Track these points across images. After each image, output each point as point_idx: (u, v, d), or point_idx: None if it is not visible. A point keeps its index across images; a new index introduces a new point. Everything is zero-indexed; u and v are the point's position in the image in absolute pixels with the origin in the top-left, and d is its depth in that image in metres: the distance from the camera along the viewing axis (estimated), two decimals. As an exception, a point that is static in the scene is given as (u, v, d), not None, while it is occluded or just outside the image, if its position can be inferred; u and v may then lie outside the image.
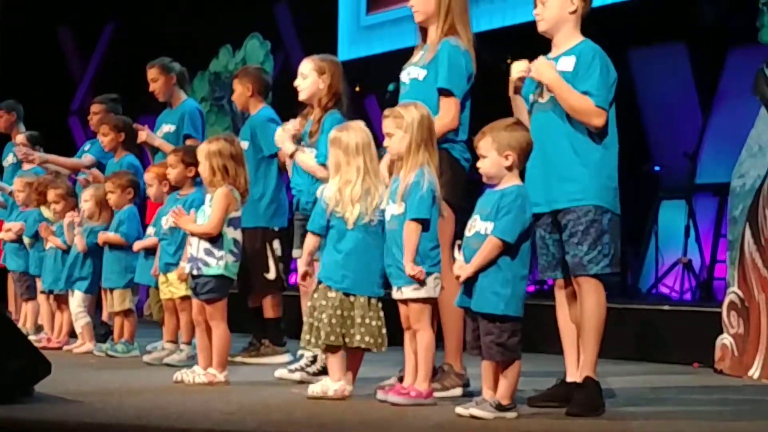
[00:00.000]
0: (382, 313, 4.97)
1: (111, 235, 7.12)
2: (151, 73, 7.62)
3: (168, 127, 7.50)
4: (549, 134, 4.65)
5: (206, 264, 5.57)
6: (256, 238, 6.68)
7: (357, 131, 5.01)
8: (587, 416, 4.46)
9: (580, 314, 4.67)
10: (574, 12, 4.69)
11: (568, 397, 4.61)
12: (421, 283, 4.79)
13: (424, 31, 5.34)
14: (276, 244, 6.84)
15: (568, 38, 4.70)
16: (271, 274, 6.81)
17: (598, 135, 4.61)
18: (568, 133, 4.63)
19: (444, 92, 5.14)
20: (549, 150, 4.64)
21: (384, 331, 4.96)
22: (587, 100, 4.57)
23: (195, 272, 5.59)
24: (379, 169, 5.04)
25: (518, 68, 4.72)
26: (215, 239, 5.58)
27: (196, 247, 5.60)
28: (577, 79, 4.60)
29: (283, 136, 5.88)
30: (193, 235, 5.65)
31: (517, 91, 4.78)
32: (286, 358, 6.68)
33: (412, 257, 4.75)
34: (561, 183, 4.63)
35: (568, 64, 4.63)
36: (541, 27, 4.75)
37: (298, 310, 5.61)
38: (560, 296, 4.83)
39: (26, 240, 8.18)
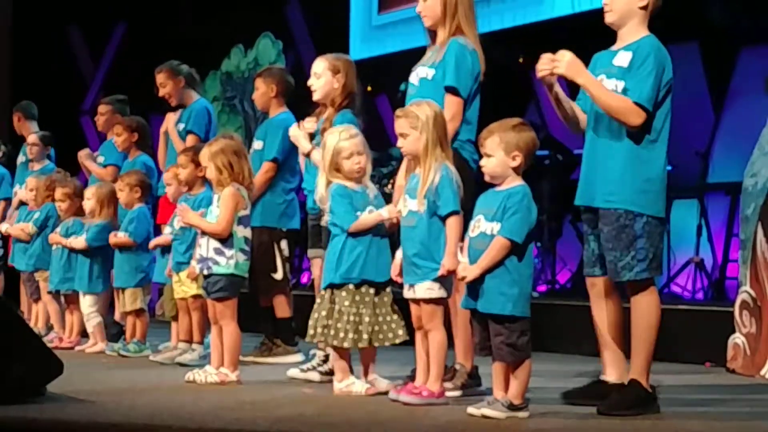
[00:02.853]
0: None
1: (120, 237, 7.14)
2: (159, 78, 7.63)
3: (180, 126, 7.52)
4: (598, 129, 4.61)
5: (216, 263, 5.59)
6: (263, 237, 6.68)
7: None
8: (614, 415, 4.43)
9: (632, 319, 4.60)
10: (644, 7, 4.59)
11: (604, 395, 4.57)
12: (442, 281, 4.79)
13: (433, 33, 5.35)
14: (284, 244, 6.84)
15: (632, 33, 4.59)
16: (278, 274, 6.80)
17: (639, 135, 4.52)
18: (612, 131, 4.56)
19: (450, 90, 5.14)
20: (597, 144, 4.60)
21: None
22: (624, 98, 4.49)
23: (206, 272, 5.61)
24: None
25: (543, 65, 4.57)
26: (225, 238, 5.59)
27: (206, 247, 5.62)
28: (629, 76, 4.53)
29: (298, 133, 5.87)
30: (201, 230, 5.67)
31: (549, 87, 4.63)
32: (298, 357, 6.68)
33: (454, 251, 4.75)
34: (599, 181, 4.58)
35: (624, 59, 4.55)
36: (608, 18, 4.64)
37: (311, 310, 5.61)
38: (592, 294, 4.77)
39: (32, 229, 8.19)
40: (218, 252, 5.59)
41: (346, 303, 5.04)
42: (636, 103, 4.49)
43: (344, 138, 5.11)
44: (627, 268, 4.54)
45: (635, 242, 4.53)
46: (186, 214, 5.78)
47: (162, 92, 7.63)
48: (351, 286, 5.06)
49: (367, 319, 5.04)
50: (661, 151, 4.60)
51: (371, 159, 5.21)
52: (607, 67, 4.62)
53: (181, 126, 7.47)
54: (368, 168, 5.17)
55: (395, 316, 5.09)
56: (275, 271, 6.77)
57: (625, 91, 4.53)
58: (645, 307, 4.58)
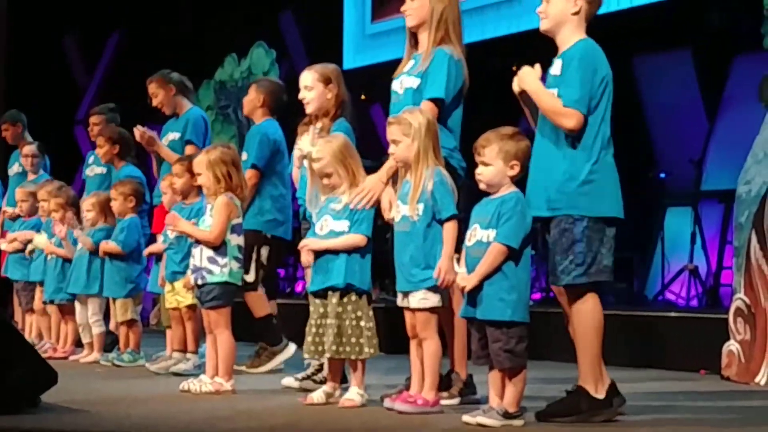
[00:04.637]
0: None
1: (110, 245, 7.13)
2: (151, 88, 7.61)
3: (173, 135, 7.51)
4: (540, 139, 4.62)
5: (210, 272, 5.58)
6: (246, 239, 6.66)
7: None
8: (556, 420, 4.43)
9: (574, 325, 4.61)
10: (576, 13, 4.61)
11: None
12: (437, 290, 4.80)
13: (414, 37, 5.32)
14: (264, 250, 6.79)
15: (567, 40, 4.61)
16: (250, 276, 6.71)
17: (576, 139, 4.50)
18: (551, 139, 4.57)
19: (436, 101, 5.10)
20: (540, 154, 4.59)
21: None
22: (557, 100, 4.51)
23: (200, 282, 5.60)
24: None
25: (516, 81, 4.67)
26: (218, 247, 5.59)
27: (199, 257, 5.61)
28: (561, 82, 4.55)
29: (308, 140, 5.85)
30: (192, 238, 5.66)
31: (524, 102, 4.71)
32: (290, 352, 6.67)
33: (451, 255, 4.76)
34: (543, 190, 4.56)
35: (557, 67, 4.59)
36: (543, 26, 4.67)
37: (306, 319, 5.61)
38: (561, 302, 4.76)
39: (28, 247, 8.18)
40: (212, 261, 5.59)
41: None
42: (566, 106, 4.49)
43: None
44: (565, 272, 4.51)
45: (573, 246, 4.49)
46: (177, 222, 5.78)
47: (155, 102, 7.62)
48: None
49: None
50: (605, 151, 4.54)
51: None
52: (547, 77, 4.64)
53: (176, 135, 7.46)
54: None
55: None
56: (247, 272, 6.70)
57: (559, 98, 4.54)
58: (583, 311, 4.54)
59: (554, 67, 4.61)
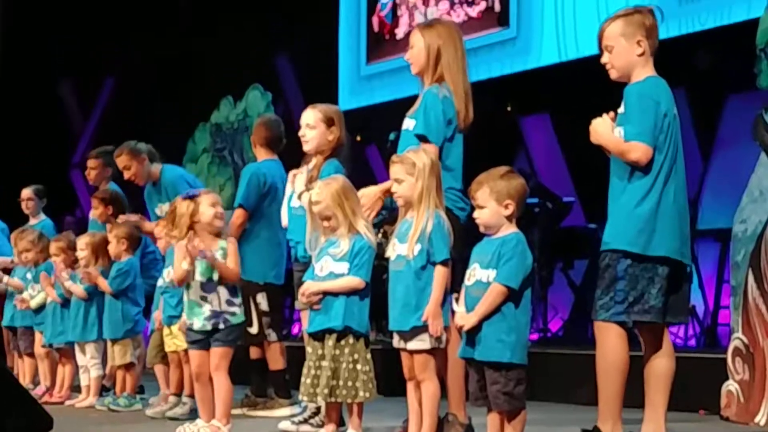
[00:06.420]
0: None
1: (100, 280, 7.12)
2: (121, 161, 7.51)
3: (165, 207, 7.27)
4: (611, 178, 4.61)
5: (232, 314, 5.51)
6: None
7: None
8: None
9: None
10: (642, 54, 4.61)
11: None
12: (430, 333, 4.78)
13: (422, 82, 5.37)
14: (260, 297, 6.70)
15: (635, 80, 4.60)
16: (254, 329, 6.64)
17: (636, 173, 4.47)
18: (618, 175, 4.56)
19: (420, 138, 5.12)
20: (610, 192, 4.59)
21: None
22: (619, 140, 4.50)
23: (221, 326, 5.47)
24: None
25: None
26: (233, 288, 5.54)
27: (217, 302, 5.49)
28: (625, 120, 4.53)
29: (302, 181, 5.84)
30: (219, 268, 5.46)
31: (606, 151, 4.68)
32: (292, 410, 6.58)
33: (439, 301, 4.75)
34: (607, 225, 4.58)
35: (623, 106, 4.58)
36: (613, 75, 4.66)
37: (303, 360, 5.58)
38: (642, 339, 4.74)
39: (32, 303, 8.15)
40: (230, 303, 5.50)
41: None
42: (628, 140, 4.47)
43: None
44: (604, 308, 4.50)
45: (615, 283, 4.48)
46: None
47: (127, 175, 7.50)
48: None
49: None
50: (666, 187, 4.50)
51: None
52: (617, 116, 4.64)
53: (166, 207, 7.23)
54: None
55: None
56: (251, 325, 6.64)
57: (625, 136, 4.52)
58: (604, 348, 4.54)
59: (622, 106, 4.60)
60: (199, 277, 5.48)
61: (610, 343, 4.53)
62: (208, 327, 5.47)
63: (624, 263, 4.48)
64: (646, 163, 4.47)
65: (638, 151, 4.45)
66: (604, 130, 4.59)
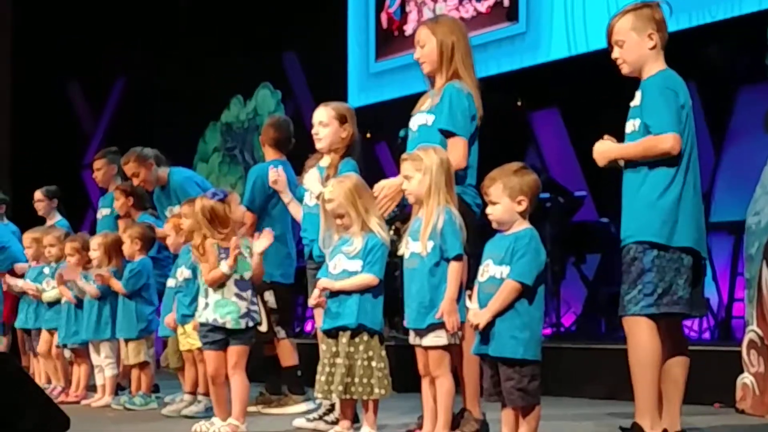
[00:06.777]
0: None
1: (113, 281, 7.15)
2: (129, 168, 7.54)
3: (174, 209, 7.29)
4: (625, 171, 4.59)
5: (257, 312, 5.59)
6: None
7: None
8: None
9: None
10: (653, 47, 4.60)
11: None
12: (446, 329, 4.78)
13: (432, 79, 5.37)
14: (267, 295, 6.69)
15: (649, 73, 4.59)
16: (263, 327, 6.65)
17: (655, 165, 4.44)
18: (634, 168, 4.54)
19: (447, 133, 5.12)
20: (625, 185, 4.57)
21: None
22: (642, 140, 4.47)
23: (251, 324, 5.53)
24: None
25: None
26: (254, 288, 5.58)
27: (249, 300, 5.53)
28: (643, 113, 4.51)
29: (314, 178, 5.80)
30: (257, 269, 5.55)
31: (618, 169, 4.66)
32: (306, 406, 6.60)
33: (454, 297, 4.75)
34: (624, 219, 4.56)
35: (637, 98, 4.56)
36: (625, 70, 4.65)
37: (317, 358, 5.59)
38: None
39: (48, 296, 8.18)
40: (253, 303, 5.57)
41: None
42: (657, 133, 4.44)
43: None
44: (633, 302, 4.45)
45: (643, 276, 4.44)
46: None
47: (136, 182, 7.55)
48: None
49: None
50: (687, 179, 4.48)
51: None
52: (629, 110, 4.62)
53: (177, 209, 7.18)
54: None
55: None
56: (260, 323, 6.66)
57: (645, 128, 4.50)
58: (635, 343, 4.49)
59: (635, 98, 4.58)
60: (234, 275, 5.52)
61: (643, 336, 4.47)
62: (242, 325, 5.49)
63: (651, 254, 4.45)
64: (678, 151, 4.44)
65: (670, 140, 4.42)
66: (609, 146, 4.59)
